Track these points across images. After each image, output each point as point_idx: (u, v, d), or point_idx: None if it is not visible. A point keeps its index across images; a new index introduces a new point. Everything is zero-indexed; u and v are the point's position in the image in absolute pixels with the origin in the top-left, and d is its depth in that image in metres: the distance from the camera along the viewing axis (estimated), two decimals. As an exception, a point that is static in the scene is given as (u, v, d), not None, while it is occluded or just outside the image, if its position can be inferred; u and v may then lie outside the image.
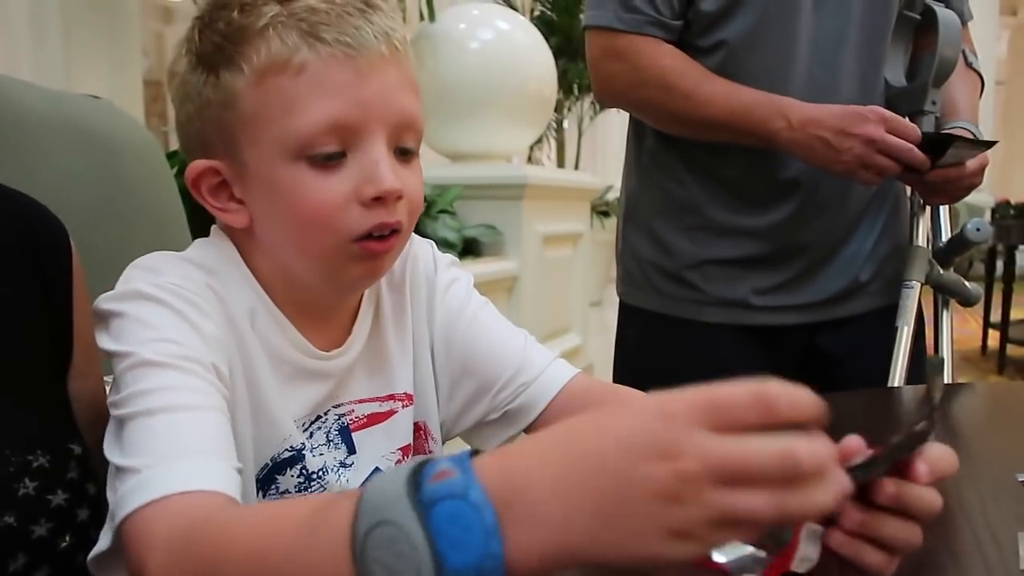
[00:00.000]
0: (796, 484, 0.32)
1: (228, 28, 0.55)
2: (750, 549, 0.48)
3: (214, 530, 0.43)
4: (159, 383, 0.50)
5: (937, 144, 0.98)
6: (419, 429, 0.67)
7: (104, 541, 0.50)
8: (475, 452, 0.36)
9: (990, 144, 1.03)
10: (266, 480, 0.59)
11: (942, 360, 0.46)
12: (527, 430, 0.67)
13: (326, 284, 0.59)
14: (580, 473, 0.33)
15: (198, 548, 0.42)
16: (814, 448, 0.32)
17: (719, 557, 0.46)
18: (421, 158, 0.61)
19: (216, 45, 0.55)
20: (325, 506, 0.38)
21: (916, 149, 0.97)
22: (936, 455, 0.43)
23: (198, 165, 0.58)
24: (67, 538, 0.52)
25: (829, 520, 0.44)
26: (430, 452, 0.68)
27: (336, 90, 0.54)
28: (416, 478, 0.35)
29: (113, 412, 0.51)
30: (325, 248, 0.57)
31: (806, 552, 0.44)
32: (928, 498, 0.43)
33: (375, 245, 0.57)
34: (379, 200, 0.55)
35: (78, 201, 0.74)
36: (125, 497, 0.46)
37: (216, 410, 0.51)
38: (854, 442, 0.43)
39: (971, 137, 1.05)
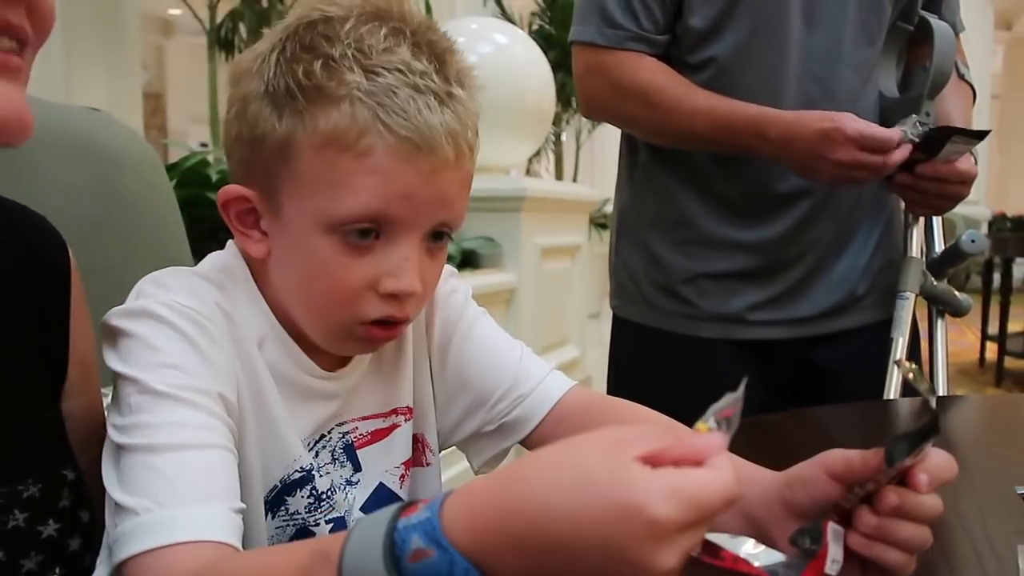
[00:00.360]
0: None
1: (307, 80, 0.53)
2: (783, 556, 0.50)
3: None
4: (164, 417, 0.50)
5: (934, 141, 0.98)
6: (417, 441, 0.67)
7: (101, 572, 0.50)
8: (443, 497, 0.36)
9: (984, 134, 1.02)
10: (275, 502, 0.59)
11: (916, 367, 0.47)
12: (523, 442, 0.67)
13: (323, 342, 0.60)
14: (554, 567, 0.34)
15: None
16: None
17: (755, 562, 0.47)
18: None
19: (288, 91, 0.54)
20: (309, 566, 0.39)
21: (894, 155, 0.96)
22: (936, 462, 0.46)
23: (233, 190, 0.57)
24: (57, 570, 0.51)
25: (846, 523, 0.47)
26: (428, 464, 0.68)
27: (392, 186, 0.53)
28: (393, 554, 0.35)
29: (114, 437, 0.50)
30: (330, 320, 0.57)
31: (834, 554, 0.46)
32: (928, 505, 0.46)
33: (379, 332, 0.57)
34: (395, 296, 0.56)
35: (77, 213, 0.75)
36: (125, 537, 0.46)
37: (220, 447, 0.51)
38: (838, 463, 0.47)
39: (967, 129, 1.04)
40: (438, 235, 0.58)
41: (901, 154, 0.96)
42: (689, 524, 0.33)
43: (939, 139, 0.98)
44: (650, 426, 0.57)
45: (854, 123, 0.96)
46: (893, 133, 0.96)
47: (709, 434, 0.36)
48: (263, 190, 0.57)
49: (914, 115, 1.02)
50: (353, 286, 0.55)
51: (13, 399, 0.52)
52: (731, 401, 0.38)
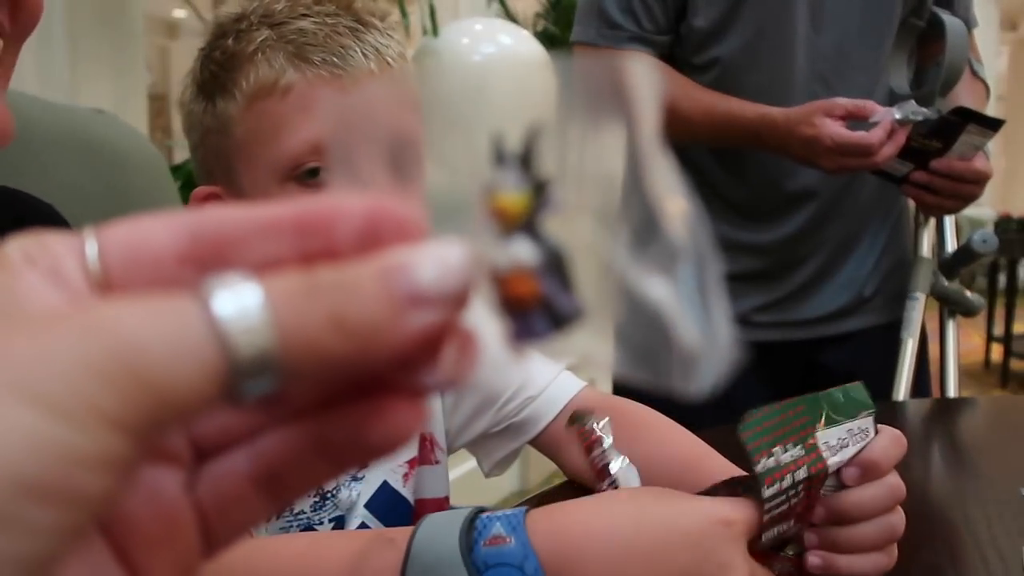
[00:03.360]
0: None
1: (223, 56, 0.56)
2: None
3: (240, 569, 0.42)
4: None
5: (951, 128, 0.97)
6: (425, 440, 0.67)
7: None
8: (527, 508, 0.37)
9: (999, 123, 1.00)
10: None
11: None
12: (532, 442, 0.67)
13: None
14: (642, 564, 0.35)
15: None
16: None
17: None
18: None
19: (212, 73, 0.56)
20: (367, 553, 0.38)
21: (884, 151, 0.94)
22: (872, 448, 0.44)
23: (201, 191, 0.59)
24: None
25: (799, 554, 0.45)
26: (436, 463, 0.68)
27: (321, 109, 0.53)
28: (469, 538, 0.35)
29: None
30: None
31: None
32: (868, 496, 0.44)
33: None
34: None
35: (81, 214, 0.75)
36: None
37: None
38: None
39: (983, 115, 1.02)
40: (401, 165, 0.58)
41: (893, 147, 0.95)
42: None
43: (954, 125, 0.96)
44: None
45: (831, 131, 0.94)
46: (871, 136, 0.94)
47: None
48: (223, 179, 0.58)
49: (912, 101, 1.01)
50: None
51: None
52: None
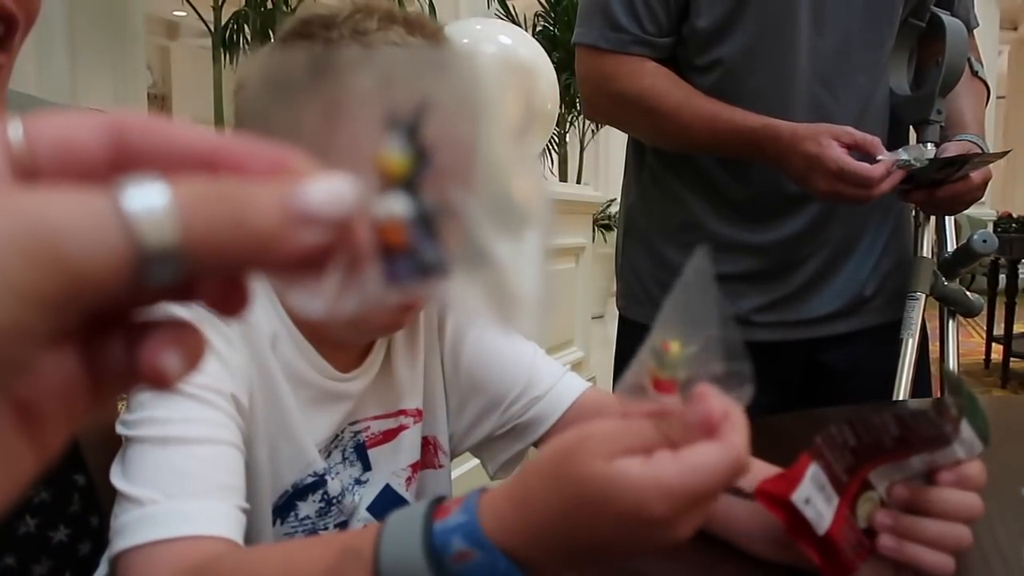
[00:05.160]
0: None
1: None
2: None
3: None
4: (177, 413, 0.50)
5: (951, 168, 0.98)
6: (428, 444, 0.67)
7: (103, 569, 0.49)
8: (477, 504, 0.37)
9: (1002, 155, 1.02)
10: (285, 507, 0.59)
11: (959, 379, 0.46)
12: (537, 443, 0.67)
13: (346, 329, 0.59)
14: (589, 555, 0.37)
15: None
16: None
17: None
18: None
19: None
20: (339, 565, 0.39)
21: (880, 187, 0.94)
22: (968, 467, 0.48)
23: None
24: (67, 575, 0.51)
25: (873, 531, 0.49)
26: (440, 466, 0.68)
27: None
28: (435, 556, 0.36)
29: (122, 431, 0.50)
30: None
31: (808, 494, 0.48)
32: (954, 501, 0.47)
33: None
34: None
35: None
36: (128, 527, 0.46)
37: (230, 445, 0.51)
38: None
39: (979, 152, 1.04)
40: None
41: (888, 184, 0.95)
42: (691, 508, 0.35)
43: (957, 164, 0.97)
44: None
45: (837, 154, 0.93)
46: (874, 170, 0.93)
47: (699, 407, 0.36)
48: None
49: (920, 144, 1.02)
50: None
51: None
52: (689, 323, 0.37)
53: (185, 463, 0.48)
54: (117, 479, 0.49)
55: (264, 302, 0.59)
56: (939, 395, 1.17)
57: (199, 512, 0.46)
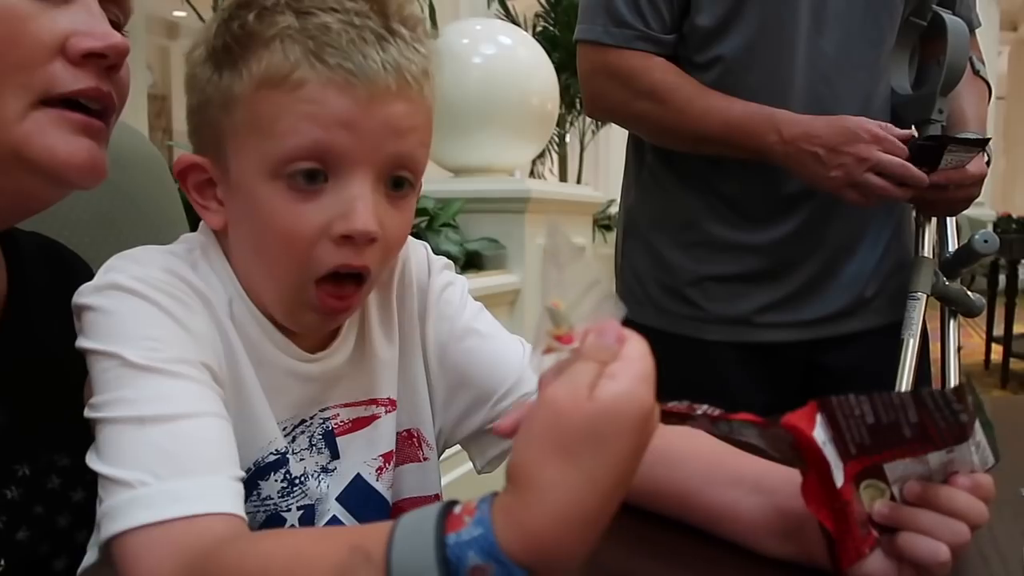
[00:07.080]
0: None
1: (241, 31, 0.53)
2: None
3: (229, 569, 0.42)
4: (148, 391, 0.48)
5: (931, 152, 0.97)
6: (412, 436, 0.67)
7: (92, 555, 0.49)
8: (490, 514, 0.37)
9: (984, 142, 1.02)
10: (248, 485, 0.56)
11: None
12: None
13: (280, 312, 0.58)
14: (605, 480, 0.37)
15: None
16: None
17: None
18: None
19: (226, 44, 0.54)
20: (349, 566, 0.38)
21: (910, 165, 0.96)
22: (981, 476, 0.50)
23: (186, 158, 0.57)
24: (84, 532, 0.54)
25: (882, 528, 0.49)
26: (425, 459, 0.67)
27: (328, 115, 0.51)
28: (449, 570, 0.36)
29: (91, 414, 0.48)
30: (285, 280, 0.55)
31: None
32: (960, 500, 0.48)
33: (331, 299, 0.55)
34: (349, 239, 0.53)
35: (82, 214, 0.75)
36: (117, 510, 0.44)
37: (214, 415, 0.49)
38: None
39: (964, 138, 1.04)
40: (398, 182, 0.55)
41: (916, 171, 0.97)
42: (647, 378, 0.38)
43: (936, 149, 0.97)
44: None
45: (877, 127, 0.96)
46: (923, 177, 0.96)
47: (603, 331, 0.39)
48: (214, 154, 0.56)
49: (934, 123, 1.02)
50: (304, 233, 0.53)
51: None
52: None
53: (170, 441, 0.46)
54: (95, 463, 0.47)
55: (224, 280, 0.57)
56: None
57: (197, 489, 0.45)
